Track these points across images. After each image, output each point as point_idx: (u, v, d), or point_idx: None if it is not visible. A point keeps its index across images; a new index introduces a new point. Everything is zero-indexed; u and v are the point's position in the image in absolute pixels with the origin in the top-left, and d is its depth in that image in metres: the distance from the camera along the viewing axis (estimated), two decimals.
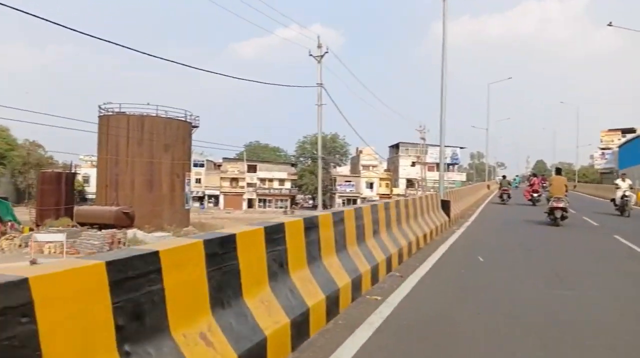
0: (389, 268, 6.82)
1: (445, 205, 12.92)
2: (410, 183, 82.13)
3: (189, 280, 2.87)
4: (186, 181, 36.98)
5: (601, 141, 64.28)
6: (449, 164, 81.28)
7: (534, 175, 26.93)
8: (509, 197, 24.43)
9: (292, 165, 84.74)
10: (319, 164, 28.15)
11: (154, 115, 36.34)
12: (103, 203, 34.93)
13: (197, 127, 39.60)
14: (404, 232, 8.21)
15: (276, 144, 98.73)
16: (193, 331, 2.82)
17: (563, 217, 14.32)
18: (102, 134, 35.04)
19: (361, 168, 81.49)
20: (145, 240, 30.01)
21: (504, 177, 28.48)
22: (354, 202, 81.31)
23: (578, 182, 52.91)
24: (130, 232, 31.15)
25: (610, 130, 64.97)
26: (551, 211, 14.48)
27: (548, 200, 15.20)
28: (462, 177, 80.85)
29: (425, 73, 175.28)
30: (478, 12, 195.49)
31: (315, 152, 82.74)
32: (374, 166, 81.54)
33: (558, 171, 17.55)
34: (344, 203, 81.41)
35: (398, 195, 77.04)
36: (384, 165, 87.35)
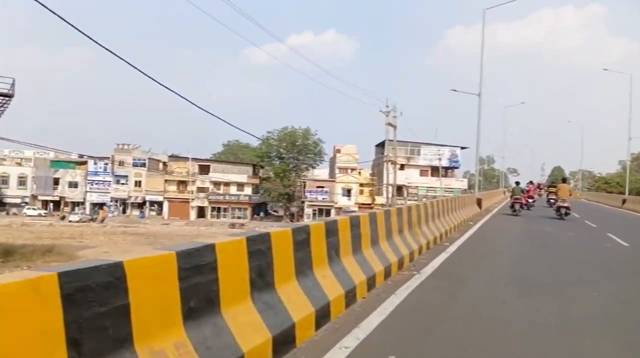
0: None
1: None
2: (398, 190, 65.12)
3: None
4: None
5: None
6: (446, 168, 64.58)
7: (531, 182, 31.08)
8: (521, 207, 22.30)
9: (254, 166, 68.41)
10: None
11: None
12: None
13: (9, 96, 23.42)
14: None
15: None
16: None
17: (566, 214, 19.94)
18: None
19: (337, 171, 64.91)
20: None
21: (517, 183, 25.05)
22: (327, 213, 64.55)
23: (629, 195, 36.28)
24: None
25: None
26: (558, 209, 20.36)
27: (556, 201, 21.90)
28: (464, 184, 64.03)
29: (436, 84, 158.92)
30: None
31: (282, 151, 66.59)
32: (353, 169, 64.95)
33: (564, 180, 24.56)
34: (314, 214, 64.89)
35: (382, 205, 59.83)
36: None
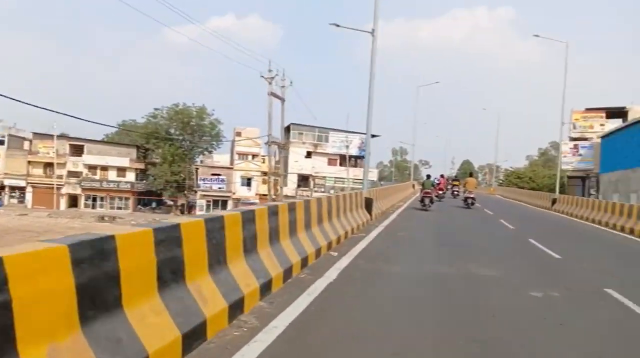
0: None
1: None
2: (304, 180, 58.77)
3: None
4: None
5: (574, 127, 42.96)
6: (356, 157, 59.00)
7: (442, 176, 33.61)
8: (431, 201, 22.28)
9: (138, 148, 58.80)
10: None
11: None
12: None
13: None
14: None
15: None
16: None
17: (472, 203, 23.79)
18: None
19: (237, 157, 57.09)
20: None
21: (428, 176, 24.51)
22: (224, 204, 56.68)
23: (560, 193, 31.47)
24: None
25: (588, 109, 43.97)
26: (465, 199, 24.06)
27: (459, 193, 29.58)
28: (374, 174, 58.74)
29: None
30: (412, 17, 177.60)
31: (170, 133, 57.62)
32: (255, 155, 57.44)
33: (471, 174, 28.58)
34: (208, 206, 56.68)
35: (286, 196, 52.93)
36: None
